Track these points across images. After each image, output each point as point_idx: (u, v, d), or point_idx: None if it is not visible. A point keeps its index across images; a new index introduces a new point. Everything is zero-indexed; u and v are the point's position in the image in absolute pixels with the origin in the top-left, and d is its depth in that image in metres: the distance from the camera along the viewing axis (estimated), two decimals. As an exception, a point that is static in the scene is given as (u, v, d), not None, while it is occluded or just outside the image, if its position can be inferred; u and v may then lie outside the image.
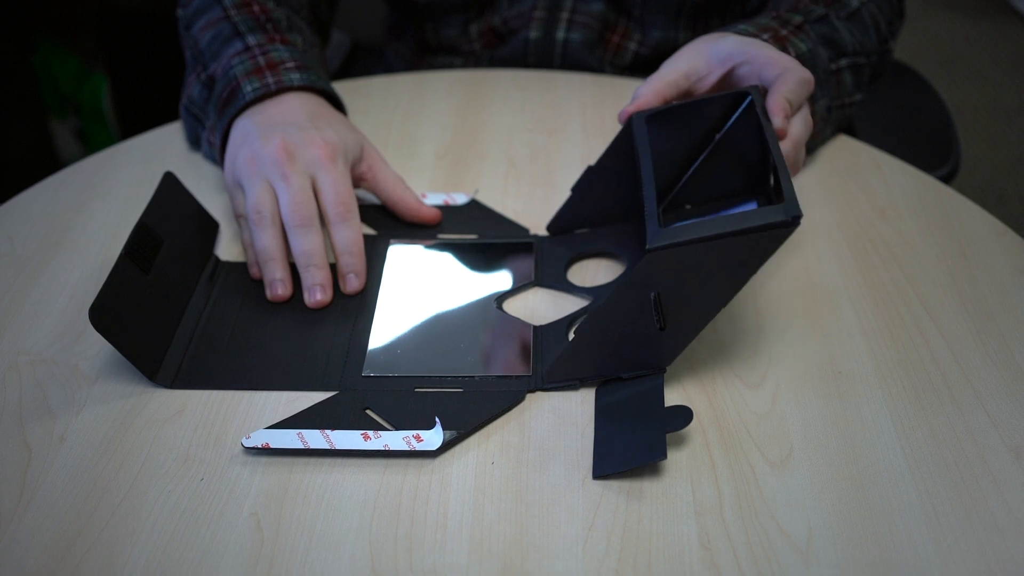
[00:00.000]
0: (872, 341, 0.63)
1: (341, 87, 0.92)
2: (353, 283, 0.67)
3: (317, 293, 0.65)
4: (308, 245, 0.66)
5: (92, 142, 1.86)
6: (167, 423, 0.58)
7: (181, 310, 0.64)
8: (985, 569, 0.50)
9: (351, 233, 0.67)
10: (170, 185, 0.68)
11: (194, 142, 0.82)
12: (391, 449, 0.55)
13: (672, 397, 0.59)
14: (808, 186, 0.78)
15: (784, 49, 0.70)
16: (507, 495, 0.54)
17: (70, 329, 0.64)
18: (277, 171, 0.67)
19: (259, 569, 0.50)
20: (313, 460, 0.55)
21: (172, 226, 0.66)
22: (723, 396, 0.59)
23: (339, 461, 0.55)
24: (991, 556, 0.50)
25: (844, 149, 0.83)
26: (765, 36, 0.71)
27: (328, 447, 0.55)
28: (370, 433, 0.56)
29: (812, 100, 0.70)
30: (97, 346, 0.63)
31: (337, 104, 0.78)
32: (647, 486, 0.54)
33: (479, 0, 0.96)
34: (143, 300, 0.61)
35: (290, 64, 0.75)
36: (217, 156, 0.75)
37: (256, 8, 0.80)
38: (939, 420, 0.58)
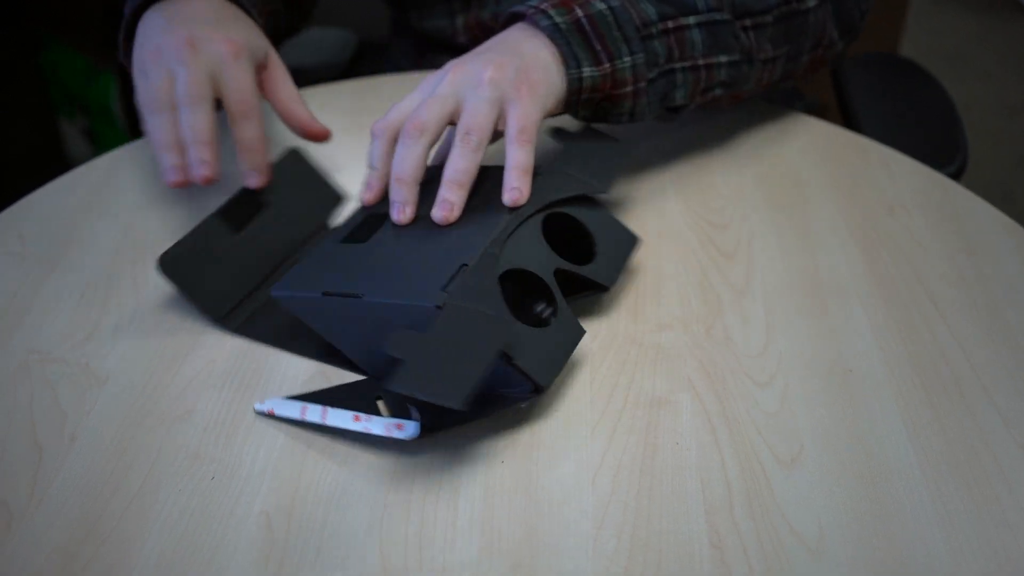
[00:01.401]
0: (882, 338, 0.63)
1: (348, 87, 0.92)
2: (253, 180, 0.67)
3: (202, 169, 0.64)
4: (194, 121, 0.65)
5: (101, 141, 1.87)
6: (177, 422, 0.58)
7: (271, 269, 0.68)
8: (996, 567, 0.50)
9: (253, 130, 0.67)
10: (292, 159, 0.73)
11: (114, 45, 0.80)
12: (371, 432, 0.56)
13: (681, 395, 0.59)
14: (816, 183, 0.78)
15: (571, 12, 0.69)
16: (517, 493, 0.54)
17: (80, 328, 0.64)
18: (178, 59, 0.66)
19: (269, 568, 0.50)
20: (323, 458, 0.55)
21: (284, 194, 0.70)
22: (732, 394, 0.59)
23: (349, 459, 0.55)
24: (1002, 554, 0.50)
25: (852, 146, 0.83)
26: (545, 4, 0.69)
27: (320, 422, 0.57)
28: (361, 416, 0.56)
29: (609, 57, 0.69)
30: (108, 346, 0.63)
31: (248, 14, 0.77)
32: (656, 485, 0.54)
33: None
34: (226, 254, 0.66)
35: None
36: (121, 49, 0.75)
37: None
38: (949, 418, 0.58)
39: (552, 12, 0.69)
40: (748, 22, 0.76)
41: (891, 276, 0.69)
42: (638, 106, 0.72)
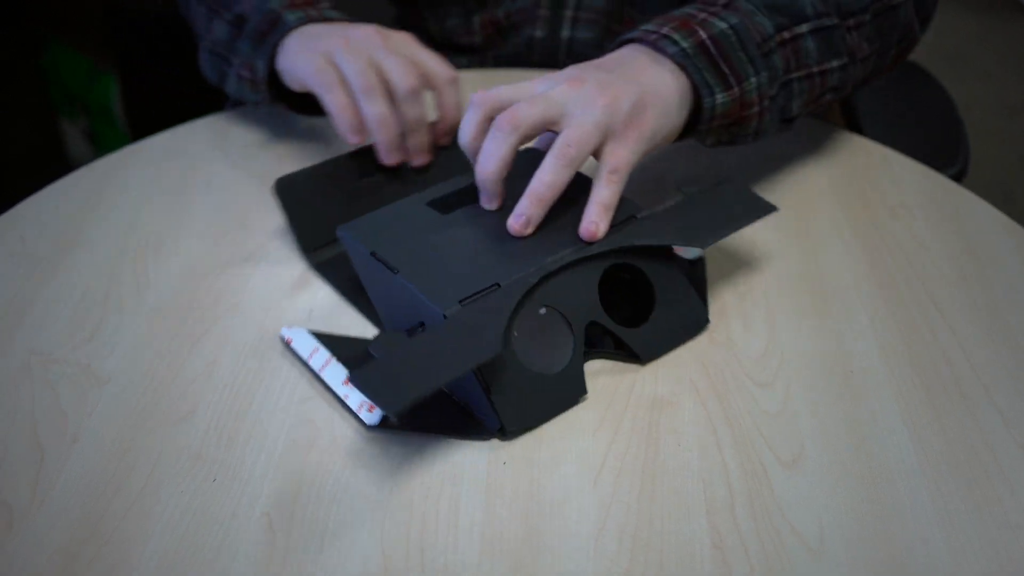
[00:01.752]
0: (883, 339, 0.63)
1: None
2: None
3: (422, 157, 0.73)
4: (418, 112, 0.71)
5: (102, 142, 1.87)
6: (179, 423, 0.58)
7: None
8: (997, 567, 0.50)
9: (457, 98, 0.74)
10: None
11: (218, 79, 0.84)
12: (347, 402, 0.58)
13: (683, 396, 0.59)
14: (819, 184, 0.78)
15: (693, 34, 0.66)
16: (518, 495, 0.54)
17: (82, 329, 0.64)
18: (377, 47, 0.72)
19: (271, 569, 0.50)
20: (325, 459, 0.55)
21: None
22: (734, 395, 0.59)
23: (350, 461, 0.55)
24: (1003, 554, 0.50)
25: (854, 148, 0.83)
26: (665, 28, 0.67)
27: (317, 372, 0.59)
28: (351, 382, 0.52)
29: (738, 80, 0.67)
30: (109, 347, 0.63)
31: None
32: (658, 486, 0.54)
33: None
34: (337, 194, 0.71)
35: (325, 4, 0.80)
36: (247, 87, 0.79)
37: None
38: (950, 418, 0.58)
39: (676, 36, 0.66)
40: (851, 22, 0.75)
41: (892, 277, 0.69)
42: (762, 124, 0.70)
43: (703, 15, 0.68)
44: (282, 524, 0.52)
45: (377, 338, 0.57)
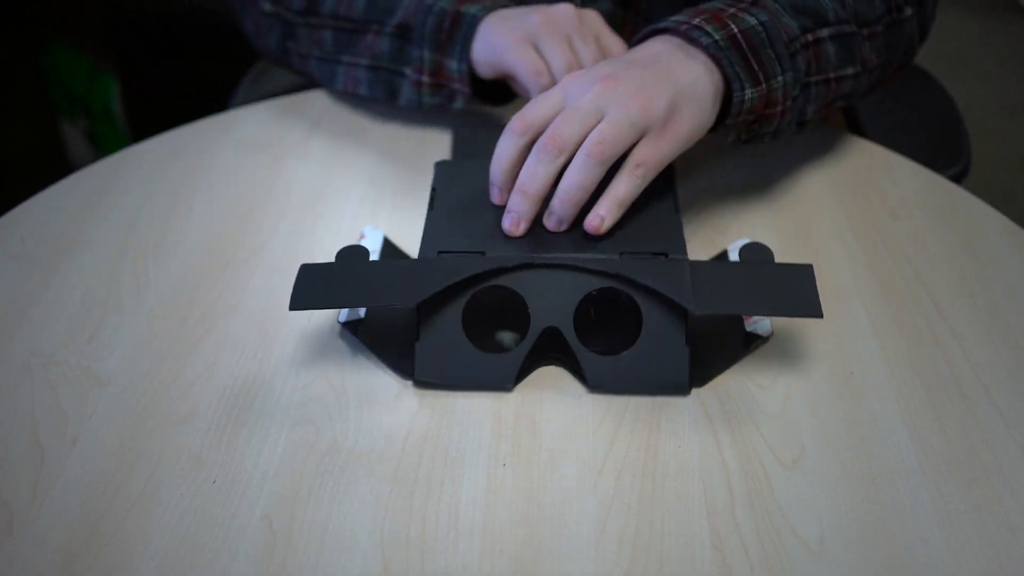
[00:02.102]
0: (883, 341, 0.63)
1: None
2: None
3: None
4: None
5: (102, 143, 1.87)
6: (179, 424, 0.58)
7: None
8: (997, 568, 0.50)
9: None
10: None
11: (388, 95, 0.83)
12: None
13: (682, 399, 0.59)
14: (818, 185, 0.78)
15: (725, 26, 0.65)
16: (518, 497, 0.54)
17: (82, 330, 0.64)
18: (576, 34, 0.74)
19: (271, 570, 0.50)
20: (325, 461, 0.55)
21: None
22: (734, 396, 0.59)
23: (351, 462, 0.55)
24: (1004, 555, 0.50)
25: (854, 149, 0.83)
26: (697, 20, 0.66)
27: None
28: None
29: (766, 77, 0.66)
30: (109, 348, 0.63)
31: None
32: (658, 487, 0.54)
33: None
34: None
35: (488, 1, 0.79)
36: (427, 93, 0.80)
37: None
38: (951, 419, 0.58)
39: (709, 28, 0.65)
40: (866, 32, 0.75)
41: (892, 278, 0.69)
42: (782, 124, 0.69)
43: (732, 9, 0.67)
44: (282, 525, 0.52)
45: (344, 248, 0.62)
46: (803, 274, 0.59)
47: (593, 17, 0.77)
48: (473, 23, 0.76)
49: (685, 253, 0.60)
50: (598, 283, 0.59)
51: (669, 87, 0.62)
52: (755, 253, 0.61)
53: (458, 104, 0.79)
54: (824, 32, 0.71)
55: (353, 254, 0.62)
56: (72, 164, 1.85)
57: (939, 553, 0.50)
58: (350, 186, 0.78)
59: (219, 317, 0.65)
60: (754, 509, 0.53)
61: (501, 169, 0.63)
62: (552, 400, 0.59)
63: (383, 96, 0.83)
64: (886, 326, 0.64)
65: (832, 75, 0.72)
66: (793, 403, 0.59)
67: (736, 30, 0.65)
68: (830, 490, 0.54)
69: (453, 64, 0.77)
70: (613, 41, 0.76)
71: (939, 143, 1.08)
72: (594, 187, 0.61)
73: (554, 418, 0.58)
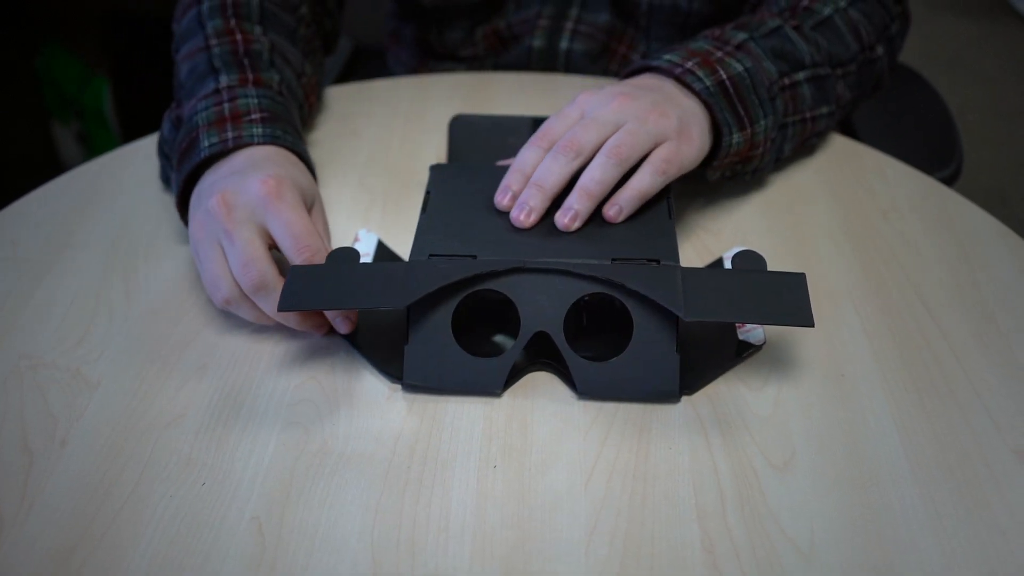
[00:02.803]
0: (875, 343, 0.63)
1: (344, 91, 0.92)
2: (343, 327, 0.62)
3: (345, 326, 0.62)
4: (269, 309, 0.60)
5: (94, 145, 1.87)
6: (169, 427, 0.58)
7: None
8: (988, 571, 0.50)
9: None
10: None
11: (165, 181, 0.77)
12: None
13: (674, 402, 0.59)
14: (811, 188, 0.78)
15: (714, 72, 0.69)
16: (509, 499, 0.53)
17: (72, 333, 0.64)
18: (220, 228, 0.61)
19: (261, 572, 0.49)
20: (315, 463, 0.55)
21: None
22: (725, 399, 0.59)
23: (340, 464, 0.55)
24: (994, 559, 0.50)
25: (847, 152, 0.83)
26: (690, 63, 0.69)
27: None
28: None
29: (751, 121, 0.69)
30: (99, 351, 0.63)
31: (297, 155, 0.70)
32: (649, 490, 0.54)
33: (486, 5, 0.96)
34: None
35: (255, 116, 0.69)
36: (176, 210, 0.70)
37: (238, 37, 0.76)
38: (941, 422, 0.58)
39: (700, 73, 0.69)
40: (839, 71, 0.78)
41: (884, 280, 0.69)
42: (762, 163, 0.73)
43: (720, 53, 0.71)
44: (272, 528, 0.52)
45: (335, 250, 0.62)
46: (795, 282, 0.58)
47: (286, 205, 0.63)
48: (195, 161, 0.67)
49: (677, 260, 0.60)
50: (589, 288, 0.59)
51: (678, 108, 0.66)
52: (748, 261, 0.61)
53: None
54: (800, 75, 0.74)
55: (344, 256, 0.62)
56: (64, 166, 1.85)
57: (929, 556, 0.50)
58: (343, 189, 0.78)
59: (209, 319, 0.65)
60: (745, 512, 0.53)
61: (523, 175, 0.64)
62: (543, 404, 0.59)
63: (163, 178, 0.77)
64: (877, 328, 0.64)
65: (808, 115, 0.76)
66: (784, 405, 0.59)
67: (724, 76, 0.69)
68: (821, 493, 0.54)
69: (175, 190, 0.69)
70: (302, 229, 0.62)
71: (931, 146, 1.08)
72: (611, 186, 0.63)
73: (545, 420, 0.58)
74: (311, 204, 0.67)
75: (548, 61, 0.97)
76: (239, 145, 0.67)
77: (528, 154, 0.65)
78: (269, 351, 0.63)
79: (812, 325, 0.56)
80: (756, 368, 0.61)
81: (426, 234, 0.63)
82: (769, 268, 0.62)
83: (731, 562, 0.50)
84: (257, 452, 0.56)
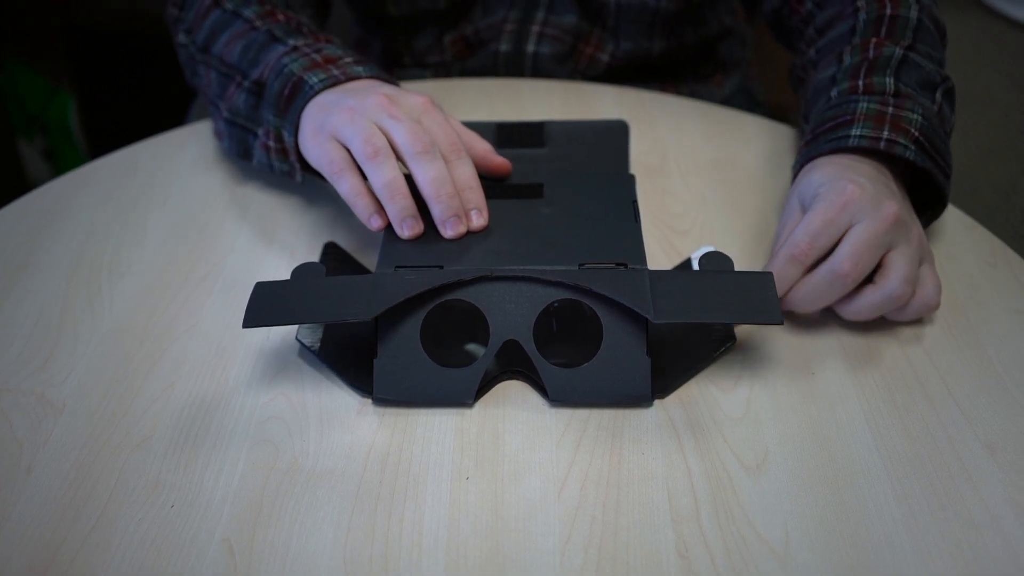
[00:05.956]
0: (844, 340, 0.63)
1: (307, 101, 0.91)
2: (477, 220, 0.64)
3: (458, 225, 0.63)
4: (436, 171, 0.63)
5: (60, 161, 1.85)
6: (136, 450, 0.57)
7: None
8: (963, 566, 0.50)
9: (468, 168, 0.65)
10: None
11: (242, 153, 0.77)
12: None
13: (646, 406, 0.59)
14: (776, 187, 0.78)
15: (905, 132, 0.66)
16: (482, 510, 0.53)
17: (36, 356, 0.63)
18: (383, 113, 0.65)
19: (232, 595, 0.49)
20: (285, 481, 0.55)
21: None
22: (697, 401, 0.59)
23: (311, 482, 0.55)
24: (968, 553, 0.50)
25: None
26: (886, 132, 0.66)
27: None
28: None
29: (948, 166, 0.68)
30: (64, 373, 0.62)
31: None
32: (623, 496, 0.53)
33: (453, 11, 0.95)
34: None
35: (348, 59, 0.73)
36: (276, 157, 0.73)
37: (281, 16, 0.79)
38: (913, 418, 0.58)
39: (901, 139, 0.66)
40: (945, 71, 0.76)
41: (853, 277, 0.69)
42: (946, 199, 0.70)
43: (890, 108, 0.68)
44: (242, 548, 0.51)
45: (300, 266, 0.62)
46: (763, 281, 0.58)
47: (413, 102, 0.68)
48: (308, 95, 0.70)
49: (645, 263, 0.59)
50: (557, 294, 0.58)
51: (899, 203, 0.63)
52: (715, 262, 0.61)
53: (298, 178, 0.73)
54: (938, 95, 0.72)
55: (309, 271, 0.61)
56: (30, 184, 1.83)
57: (904, 553, 0.50)
58: (308, 202, 0.77)
59: (175, 338, 0.64)
60: (719, 515, 0.52)
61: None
62: (514, 413, 0.59)
63: (238, 153, 0.78)
64: (846, 325, 0.64)
65: (948, 129, 0.73)
66: (755, 406, 0.59)
67: (916, 133, 0.66)
68: (794, 493, 0.53)
69: (287, 136, 0.72)
70: (438, 122, 0.68)
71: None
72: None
73: (517, 430, 0.58)
74: None
75: (515, 65, 0.96)
76: (349, 78, 0.71)
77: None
78: (237, 369, 0.62)
79: (781, 322, 0.56)
80: (727, 369, 0.61)
81: (391, 246, 0.62)
82: (736, 269, 0.62)
83: (706, 566, 0.50)
84: (226, 472, 0.55)
